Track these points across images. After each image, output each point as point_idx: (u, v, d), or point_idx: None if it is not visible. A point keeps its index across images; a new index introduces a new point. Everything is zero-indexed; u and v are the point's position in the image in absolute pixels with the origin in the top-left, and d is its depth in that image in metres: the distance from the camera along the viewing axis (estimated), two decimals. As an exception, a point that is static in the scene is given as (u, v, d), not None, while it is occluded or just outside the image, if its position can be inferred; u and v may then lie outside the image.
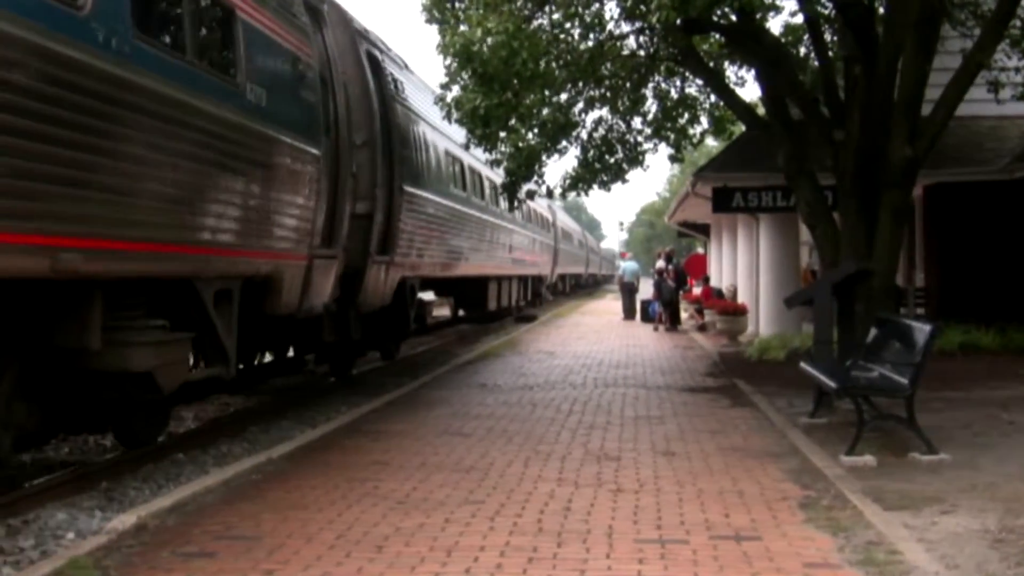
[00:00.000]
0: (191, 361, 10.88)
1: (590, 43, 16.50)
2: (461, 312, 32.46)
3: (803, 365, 12.83)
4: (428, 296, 28.98)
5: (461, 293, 28.60)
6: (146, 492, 9.33)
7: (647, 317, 35.32)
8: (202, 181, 9.74)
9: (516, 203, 21.56)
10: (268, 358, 17.41)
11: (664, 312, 33.12)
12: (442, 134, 21.45)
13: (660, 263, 35.31)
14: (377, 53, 17.37)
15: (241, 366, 15.32)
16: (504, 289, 31.77)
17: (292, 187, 12.01)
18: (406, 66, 20.58)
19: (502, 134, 17.56)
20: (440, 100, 17.55)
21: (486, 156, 19.08)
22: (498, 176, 23.86)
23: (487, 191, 27.16)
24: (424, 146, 19.69)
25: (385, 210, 16.29)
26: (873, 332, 12.67)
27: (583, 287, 75.07)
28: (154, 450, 10.94)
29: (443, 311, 33.72)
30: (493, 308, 30.37)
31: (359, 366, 19.43)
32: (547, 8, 16.16)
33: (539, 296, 43.80)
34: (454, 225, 22.14)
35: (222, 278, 10.61)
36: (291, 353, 17.87)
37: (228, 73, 10.45)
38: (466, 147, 21.67)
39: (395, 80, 18.29)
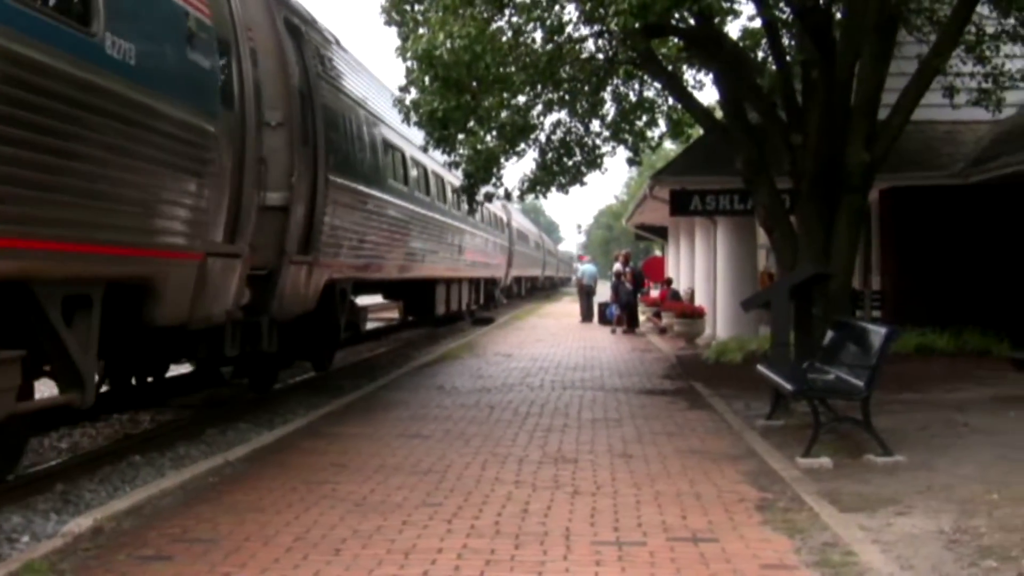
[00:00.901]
0: (26, 385, 8.75)
1: (549, 46, 16.50)
2: (411, 317, 31.55)
3: (760, 368, 12.90)
4: (373, 300, 28.62)
5: (410, 297, 27.38)
6: (102, 495, 9.27)
7: (605, 320, 35.41)
8: (35, 156, 7.68)
9: (475, 205, 21.57)
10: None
11: (622, 314, 33.22)
12: (382, 122, 20.14)
13: (617, 266, 35.47)
14: (299, 23, 15.21)
15: (152, 379, 14.63)
16: (454, 292, 30.19)
17: (176, 169, 9.99)
18: (337, 43, 18.57)
19: (461, 136, 17.56)
20: (399, 103, 17.52)
21: (440, 155, 19.10)
22: (444, 169, 23.70)
23: (433, 186, 25.75)
24: (358, 133, 18.00)
25: (306, 202, 14.44)
26: (830, 335, 12.76)
27: (540, 290, 75.11)
28: (111, 452, 10.86)
29: (393, 314, 33.61)
30: (442, 312, 28.89)
31: (286, 378, 17.96)
32: (506, 12, 16.15)
33: (492, 299, 42.93)
34: (395, 222, 20.57)
35: (73, 281, 8.60)
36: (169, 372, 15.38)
37: (79, 19, 8.32)
38: (421, 143, 21.04)
39: (322, 56, 16.36)
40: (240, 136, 11.89)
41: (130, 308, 9.84)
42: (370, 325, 31.05)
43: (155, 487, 8.80)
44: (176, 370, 15.81)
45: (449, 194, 27.21)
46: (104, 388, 13.70)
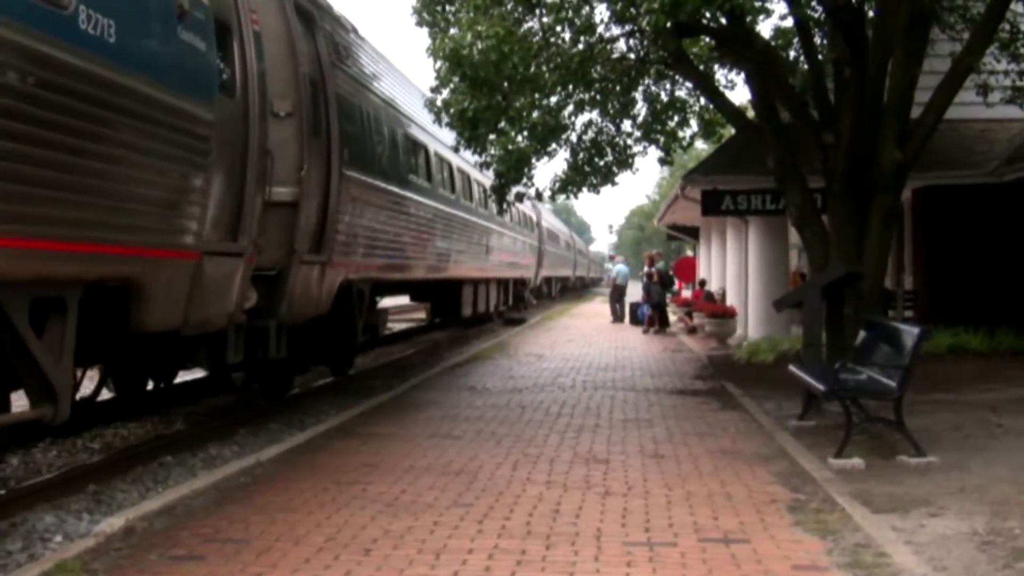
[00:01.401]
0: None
1: (580, 46, 16.49)
2: (437, 319, 30.79)
3: (792, 368, 12.85)
4: (397, 301, 28.19)
5: (437, 298, 26.49)
6: (134, 495, 9.31)
7: (636, 320, 35.38)
8: None
9: (506, 205, 21.58)
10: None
11: (654, 314, 33.24)
12: (404, 116, 19.38)
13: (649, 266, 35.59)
14: (310, 7, 14.22)
15: (158, 385, 14.08)
16: (481, 293, 29.17)
17: (164, 159, 8.97)
18: (355, 31, 17.49)
19: (491, 137, 17.57)
20: (430, 103, 17.56)
21: (467, 152, 18.98)
22: (471, 167, 23.22)
23: (459, 184, 24.72)
24: (377, 127, 16.94)
25: (318, 198, 13.59)
26: (862, 335, 12.69)
27: (571, 290, 75.05)
28: (143, 452, 10.91)
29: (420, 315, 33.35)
30: (468, 314, 27.73)
31: (307, 381, 17.53)
32: (537, 11, 16.16)
33: (522, 300, 41.99)
34: (418, 220, 19.64)
35: (43, 282, 7.71)
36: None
37: None
38: (446, 139, 20.72)
39: (336, 44, 15.29)
40: (242, 125, 11.05)
41: (116, 312, 8.97)
42: (395, 327, 30.90)
43: (187, 487, 8.84)
44: (184, 375, 15.32)
45: (476, 192, 26.70)
46: (108, 395, 13.75)
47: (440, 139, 21.53)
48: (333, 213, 13.93)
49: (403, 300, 28.56)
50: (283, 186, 12.43)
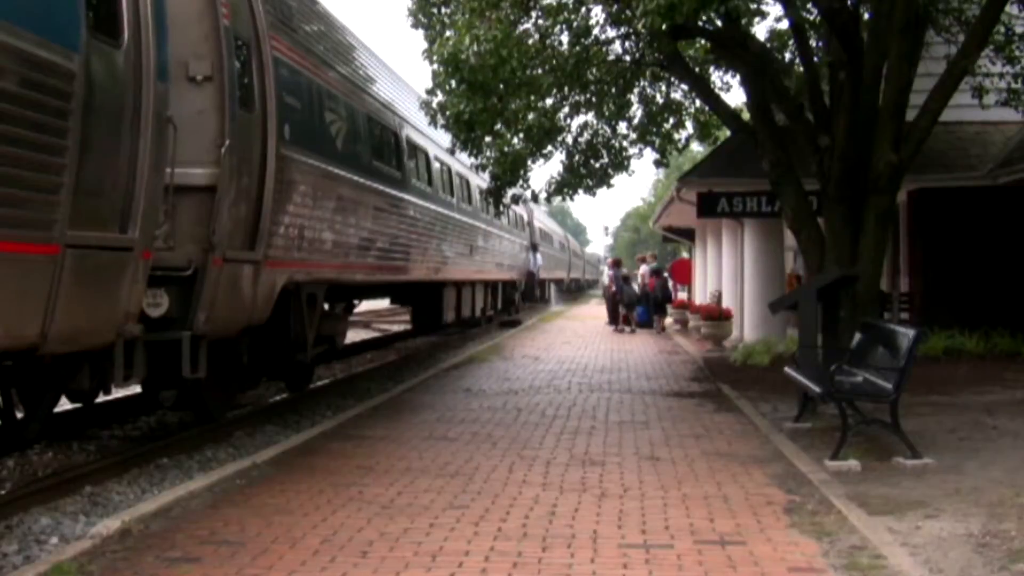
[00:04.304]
0: None
1: (576, 49, 16.52)
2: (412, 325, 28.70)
3: (788, 370, 12.87)
4: (376, 305, 26.61)
5: (417, 302, 24.81)
6: (130, 497, 9.30)
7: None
8: None
9: (501, 208, 21.61)
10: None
11: (624, 314, 34.39)
12: (370, 96, 17.60)
13: (644, 267, 35.82)
14: None
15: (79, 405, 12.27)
16: (466, 297, 27.15)
17: None
18: None
19: (487, 139, 17.60)
20: (425, 105, 17.54)
21: (442, 138, 18.61)
22: (449, 156, 22.13)
23: (436, 175, 22.62)
24: (334, 104, 14.96)
25: (248, 183, 11.55)
26: (858, 337, 12.71)
27: (566, 292, 75.01)
28: (139, 455, 10.89)
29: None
30: (451, 319, 25.67)
31: (257, 396, 15.70)
32: (532, 14, 16.19)
33: (512, 304, 40.22)
34: (385, 214, 17.59)
35: None
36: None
37: None
38: (420, 123, 19.57)
39: (282, 2, 13.38)
40: (131, 85, 8.80)
41: None
42: (366, 335, 29.96)
43: (183, 489, 8.83)
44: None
45: (456, 186, 25.24)
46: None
47: (417, 126, 20.46)
48: (270, 202, 11.99)
49: (385, 303, 27.47)
50: (195, 166, 10.49)
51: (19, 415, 10.36)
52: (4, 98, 7.00)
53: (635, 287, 35.73)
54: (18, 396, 10.28)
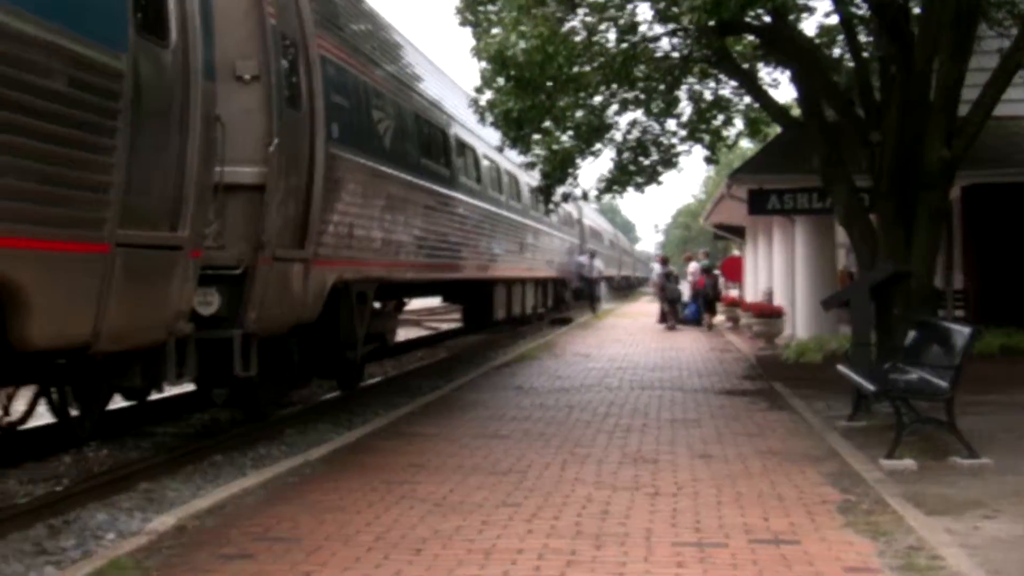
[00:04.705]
0: None
1: (623, 45, 16.50)
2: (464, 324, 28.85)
3: (841, 368, 12.77)
4: (424, 303, 26.54)
5: (468, 300, 24.94)
6: (185, 494, 9.34)
7: (683, 319, 35.44)
8: None
9: (550, 205, 21.59)
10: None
11: (668, 309, 34.35)
12: (418, 94, 17.74)
13: (692, 265, 35.78)
14: None
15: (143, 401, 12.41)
16: (516, 295, 27.19)
17: (49, 119, 7.00)
18: None
19: (536, 136, 17.60)
20: (473, 103, 17.58)
21: (491, 136, 18.57)
22: (497, 154, 22.32)
23: (485, 173, 22.68)
24: (381, 103, 14.94)
25: (297, 181, 11.63)
26: (911, 335, 12.60)
27: (616, 290, 74.84)
28: (193, 451, 10.95)
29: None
30: (501, 317, 25.63)
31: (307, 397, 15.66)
32: (579, 11, 16.18)
33: (563, 302, 40.03)
34: (435, 212, 17.69)
35: None
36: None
37: None
38: (469, 122, 19.65)
39: (330, 1, 13.51)
40: (180, 84, 8.83)
41: None
42: (416, 333, 29.99)
43: (237, 486, 8.88)
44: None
45: (505, 183, 25.23)
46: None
47: (465, 124, 20.50)
48: (319, 200, 12.04)
49: (436, 301, 27.60)
50: (244, 165, 10.54)
51: (74, 413, 10.45)
52: (54, 98, 7.03)
53: (683, 285, 35.71)
54: (72, 394, 10.36)
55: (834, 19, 18.06)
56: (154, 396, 12.03)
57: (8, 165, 6.63)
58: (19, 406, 10.21)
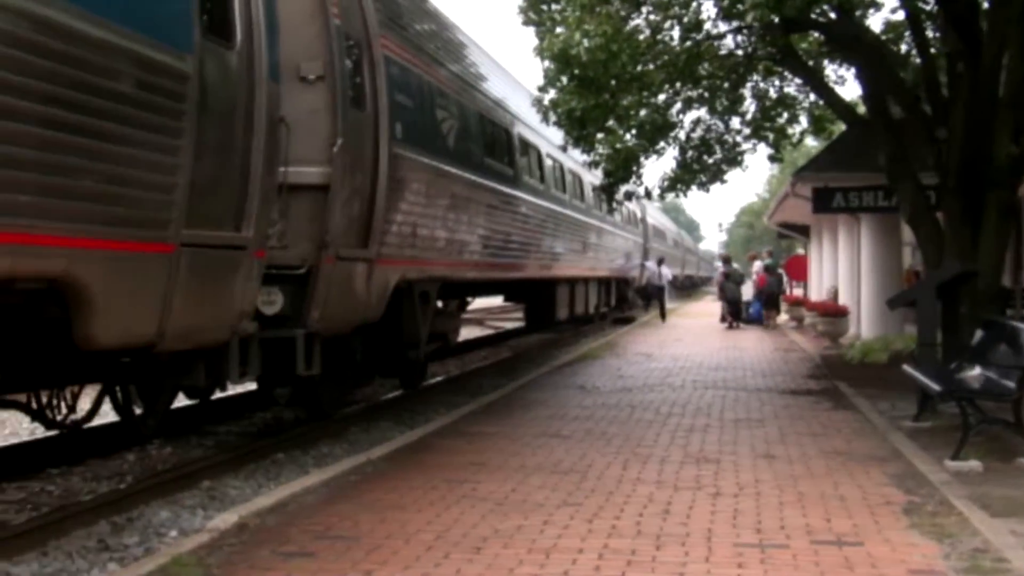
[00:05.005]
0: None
1: (687, 43, 16.44)
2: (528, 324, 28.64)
3: (906, 368, 12.64)
4: (479, 302, 26.59)
5: (531, 299, 24.75)
6: (247, 491, 9.41)
7: (747, 319, 35.25)
8: None
9: (614, 205, 21.56)
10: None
11: (727, 309, 34.38)
12: (481, 93, 17.65)
13: (757, 263, 35.63)
14: None
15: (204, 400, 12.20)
16: (579, 294, 26.81)
17: (116, 120, 7.01)
18: None
19: (599, 135, 17.57)
20: (536, 102, 17.58)
21: (553, 136, 18.49)
22: (560, 153, 22.30)
23: (548, 172, 22.39)
24: (445, 102, 14.89)
25: (361, 181, 11.58)
26: (978, 334, 12.45)
27: (680, 289, 74.54)
28: (255, 450, 11.03)
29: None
30: (564, 316, 25.44)
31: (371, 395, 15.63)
32: (643, 9, 16.13)
33: (625, 301, 39.57)
34: (498, 212, 17.55)
35: None
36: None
37: None
38: (533, 122, 19.56)
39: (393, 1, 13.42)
40: (244, 85, 8.85)
41: (59, 324, 7.17)
42: (479, 332, 30.13)
43: (298, 484, 8.92)
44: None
45: (568, 182, 25.04)
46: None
47: (528, 123, 20.40)
48: (382, 199, 11.96)
49: (498, 300, 27.66)
50: (308, 165, 10.58)
51: (138, 411, 10.55)
52: (121, 101, 7.06)
53: (748, 284, 35.59)
54: (136, 393, 10.45)
55: (900, 15, 17.90)
56: (217, 395, 12.08)
57: (76, 167, 6.69)
58: (84, 404, 10.30)
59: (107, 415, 11.14)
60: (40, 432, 11.16)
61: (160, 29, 7.51)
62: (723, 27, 17.19)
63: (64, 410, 9.95)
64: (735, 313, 34.16)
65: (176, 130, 7.71)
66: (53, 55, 6.37)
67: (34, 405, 9.63)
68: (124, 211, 7.22)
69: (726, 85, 18.82)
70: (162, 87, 7.53)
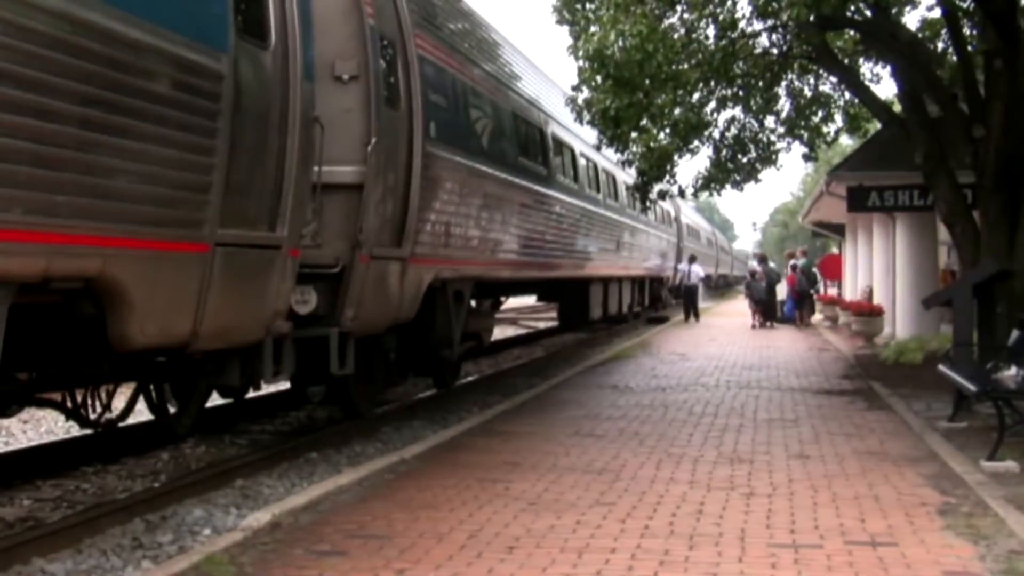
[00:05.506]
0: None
1: (722, 42, 16.39)
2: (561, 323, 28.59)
3: (942, 368, 12.57)
4: (512, 302, 26.63)
5: (564, 298, 24.69)
6: (280, 490, 9.44)
7: (781, 318, 35.14)
8: None
9: (647, 204, 21.51)
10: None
11: (755, 309, 34.25)
12: (515, 92, 17.57)
13: (794, 262, 35.57)
14: None
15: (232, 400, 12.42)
16: (612, 293, 26.72)
17: (150, 119, 7.01)
18: None
19: (633, 134, 17.53)
20: (570, 102, 17.57)
21: (585, 133, 18.43)
22: (594, 152, 22.26)
23: (582, 171, 22.40)
24: (478, 101, 14.91)
25: (395, 180, 11.57)
26: (1015, 334, 12.34)
27: (713, 288, 74.32)
28: (289, 449, 11.06)
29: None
30: (598, 316, 25.34)
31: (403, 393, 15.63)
32: (678, 8, 16.09)
33: (659, 300, 39.32)
34: (531, 211, 17.48)
35: None
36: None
37: None
38: (565, 120, 19.52)
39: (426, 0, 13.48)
40: (279, 85, 8.89)
41: (94, 323, 7.19)
42: (512, 332, 30.26)
43: (332, 483, 8.94)
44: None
45: (602, 182, 25.04)
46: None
47: (562, 123, 20.34)
48: (416, 199, 11.99)
49: (531, 299, 27.72)
50: (342, 164, 10.59)
51: (172, 410, 10.60)
52: (156, 100, 7.08)
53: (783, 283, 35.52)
54: (171, 391, 10.49)
55: (937, 12, 17.76)
56: (251, 394, 12.14)
57: (113, 167, 6.72)
58: (119, 403, 10.36)
59: (142, 414, 11.20)
60: (75, 431, 11.23)
61: (196, 29, 7.53)
62: (758, 25, 17.14)
63: (99, 409, 10.00)
64: (766, 313, 34.03)
65: (211, 130, 7.73)
66: (92, 57, 6.40)
67: (69, 404, 9.68)
68: (159, 211, 7.25)
69: (761, 84, 18.76)
70: (197, 87, 7.56)
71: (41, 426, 13.37)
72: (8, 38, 5.76)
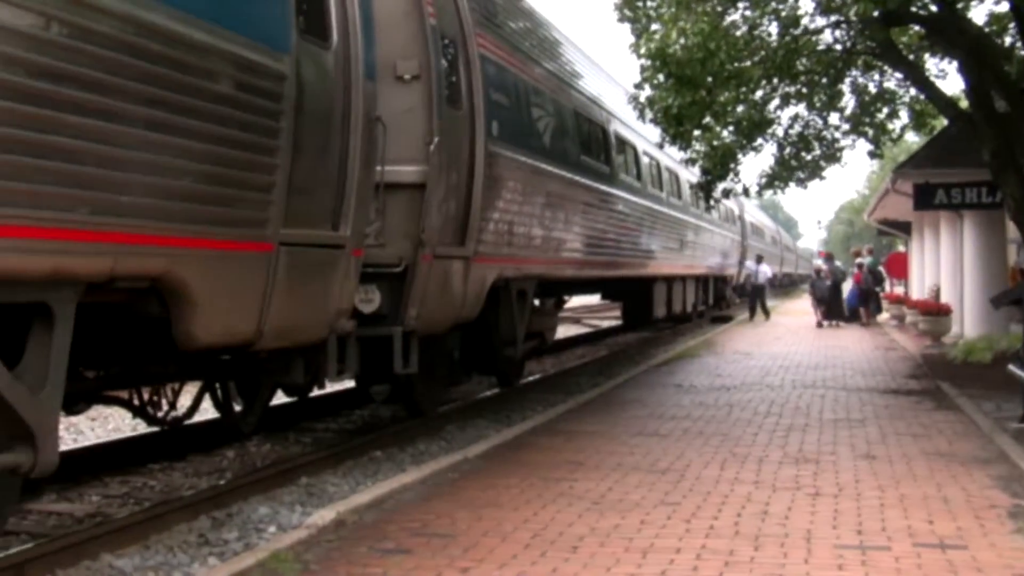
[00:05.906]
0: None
1: (785, 39, 16.28)
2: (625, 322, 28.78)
3: (1011, 368, 12.42)
4: (576, 300, 26.55)
5: (628, 297, 24.73)
6: (344, 488, 9.48)
7: (848, 316, 34.88)
8: None
9: (711, 202, 21.43)
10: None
11: (818, 308, 34.07)
12: (577, 91, 17.52)
13: (860, 261, 35.30)
14: None
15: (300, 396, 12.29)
16: (676, 292, 26.63)
17: (213, 120, 7.05)
18: None
19: (696, 132, 17.46)
20: (633, 100, 17.52)
21: (650, 133, 18.40)
22: (657, 150, 22.15)
23: (645, 170, 22.32)
24: (540, 100, 14.88)
25: (457, 179, 11.57)
26: (1086, 333, 12.18)
27: (778, 287, 73.88)
28: (353, 447, 11.10)
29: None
30: (662, 315, 25.31)
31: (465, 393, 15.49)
32: (740, 5, 16.01)
33: (723, 299, 39.66)
34: (594, 209, 17.48)
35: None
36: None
37: None
38: (628, 119, 19.50)
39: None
40: (341, 85, 8.91)
41: (156, 325, 7.23)
42: (576, 331, 30.22)
43: (396, 482, 8.96)
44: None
45: (665, 180, 24.97)
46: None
47: (624, 121, 20.28)
48: (479, 198, 12.01)
49: (595, 299, 27.72)
50: (405, 164, 10.55)
51: (237, 408, 10.67)
52: (218, 100, 7.14)
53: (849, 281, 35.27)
54: (236, 390, 10.57)
55: (1004, 6, 17.55)
56: (315, 392, 12.19)
57: (177, 167, 6.76)
58: (185, 401, 10.45)
59: (207, 412, 11.28)
60: (142, 428, 11.34)
61: (258, 30, 7.58)
62: (821, 22, 17.02)
63: (165, 407, 10.09)
64: (830, 312, 33.76)
65: (274, 130, 7.78)
66: (155, 58, 6.46)
67: (136, 402, 9.76)
68: (223, 211, 7.31)
69: (824, 80, 18.62)
70: (260, 88, 7.60)
71: (109, 423, 13.52)
72: (74, 41, 5.82)
